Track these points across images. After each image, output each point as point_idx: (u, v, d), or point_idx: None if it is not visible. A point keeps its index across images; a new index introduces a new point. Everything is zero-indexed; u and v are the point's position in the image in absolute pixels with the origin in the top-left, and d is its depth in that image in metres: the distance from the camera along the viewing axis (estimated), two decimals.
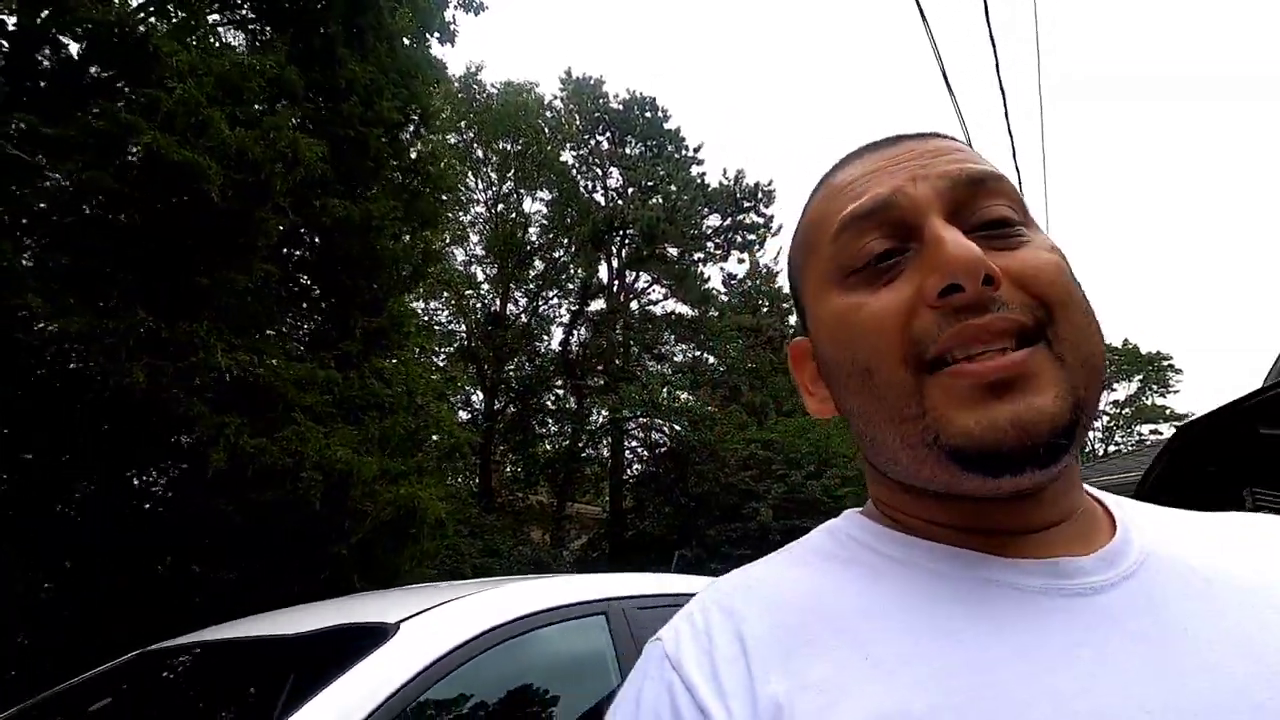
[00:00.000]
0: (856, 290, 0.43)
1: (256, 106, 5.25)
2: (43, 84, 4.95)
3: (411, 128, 7.64)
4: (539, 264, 16.27)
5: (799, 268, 0.51)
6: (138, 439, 4.68)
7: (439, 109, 9.36)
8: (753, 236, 17.74)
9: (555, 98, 16.94)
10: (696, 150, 17.20)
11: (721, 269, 19.03)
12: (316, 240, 6.42)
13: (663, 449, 15.06)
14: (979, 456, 0.37)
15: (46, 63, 4.91)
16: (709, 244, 17.23)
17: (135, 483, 5.10)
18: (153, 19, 4.98)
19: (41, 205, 4.35)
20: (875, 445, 0.43)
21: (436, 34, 8.55)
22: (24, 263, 4.06)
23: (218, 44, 5.92)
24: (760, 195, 17.17)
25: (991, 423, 0.37)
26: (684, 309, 16.20)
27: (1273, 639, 0.37)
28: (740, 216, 17.32)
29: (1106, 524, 0.45)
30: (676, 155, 17.06)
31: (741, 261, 18.40)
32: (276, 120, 4.88)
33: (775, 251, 21.96)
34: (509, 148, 15.62)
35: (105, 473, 4.76)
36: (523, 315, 15.92)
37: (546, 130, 15.99)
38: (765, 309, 20.51)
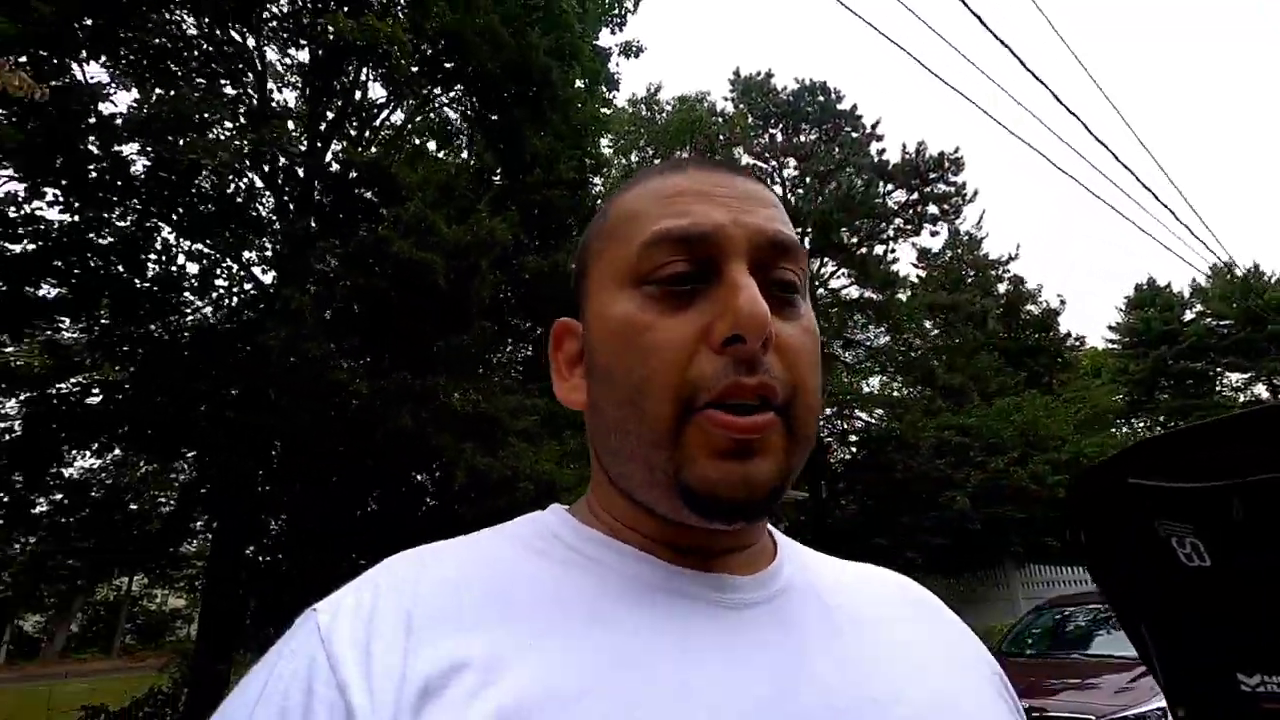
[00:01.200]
0: (647, 305, 0.44)
1: (465, 196, 6.77)
2: (324, 202, 6.93)
3: (589, 179, 8.89)
4: None
5: (593, 252, 0.50)
6: (407, 462, 6.42)
7: (608, 159, 10.55)
8: (945, 206, 16.80)
9: (725, 100, 17.57)
10: (874, 126, 16.72)
11: (914, 244, 18.26)
12: (520, 289, 7.90)
13: (858, 437, 15.07)
14: (707, 501, 0.41)
15: (320, 190, 6.89)
16: (897, 219, 16.68)
17: (405, 489, 6.93)
18: (394, 154, 6.70)
19: (339, 304, 6.18)
20: (618, 455, 0.45)
21: (603, 86, 9.73)
22: (331, 347, 5.87)
23: (438, 153, 7.67)
24: (947, 164, 16.22)
25: (726, 477, 0.41)
26: (870, 294, 15.93)
27: (861, 663, 0.44)
28: (927, 188, 16.51)
29: (770, 553, 0.50)
30: (853, 135, 16.74)
31: (935, 234, 17.51)
32: (479, 214, 6.28)
33: (977, 217, 20.38)
34: (684, 156, 16.54)
35: (386, 487, 6.58)
36: None
37: (721, 137, 16.68)
38: (970, 279, 19.18)
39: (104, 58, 6.42)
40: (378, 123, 8.17)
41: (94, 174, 6.57)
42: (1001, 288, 19.60)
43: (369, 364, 5.91)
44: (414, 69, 7.15)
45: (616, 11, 9.45)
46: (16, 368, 7.12)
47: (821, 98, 16.96)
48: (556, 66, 7.66)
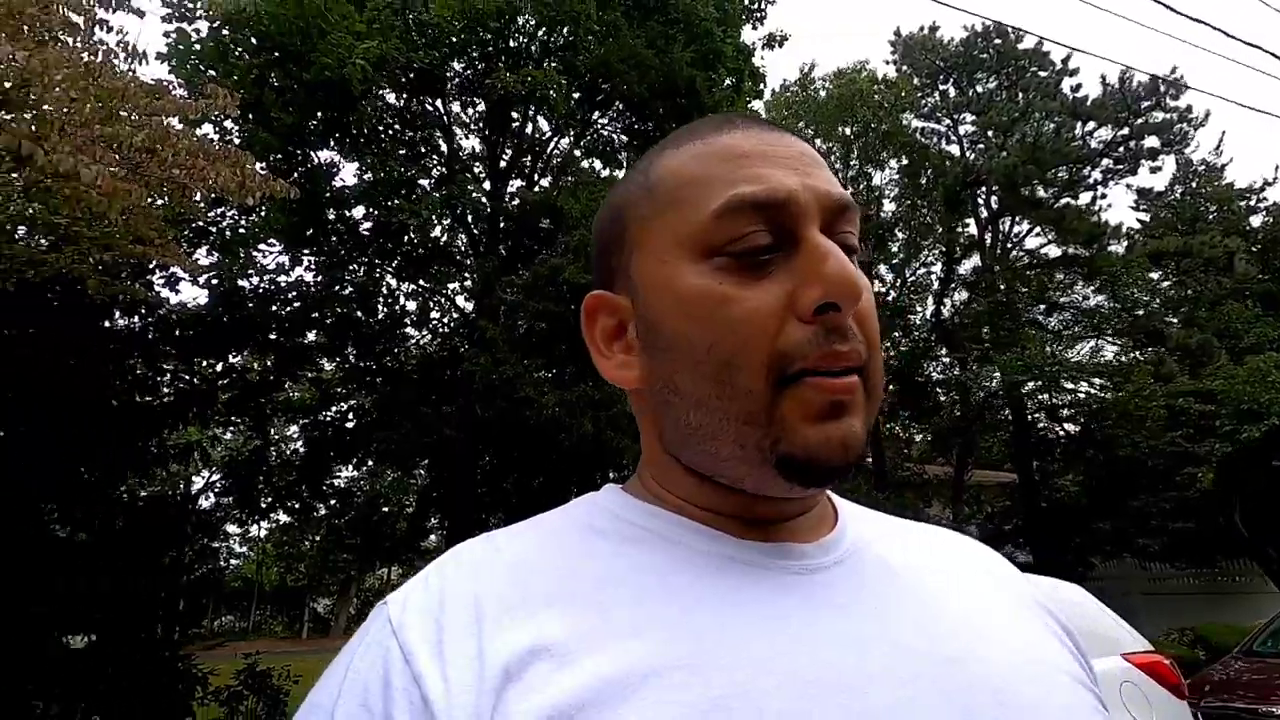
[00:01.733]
0: (724, 276, 0.42)
1: None
2: (507, 236, 7.87)
3: None
4: (899, 234, 16.12)
5: (638, 218, 0.47)
6: (590, 464, 7.11)
7: None
8: (1167, 137, 14.43)
9: (888, 63, 16.58)
10: (1065, 62, 14.82)
11: (1130, 186, 15.91)
12: None
13: (1069, 410, 13.54)
14: (806, 466, 0.40)
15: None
16: (1104, 160, 14.65)
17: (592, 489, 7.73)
18: (560, 185, 7.48)
19: (525, 327, 7.03)
20: (700, 431, 0.43)
21: (749, 81, 9.81)
22: (525, 363, 6.70)
23: (602, 171, 8.39)
24: (1163, 88, 13.90)
25: (827, 440, 0.40)
26: (1075, 249, 14.16)
27: (937, 623, 0.43)
28: (1139, 120, 14.30)
29: (832, 519, 0.50)
30: (1040, 75, 14.98)
31: (1156, 170, 15.11)
32: None
33: (1215, 142, 17.18)
34: (847, 131, 15.91)
35: (579, 487, 7.33)
36: (890, 291, 15.99)
37: (885, 104, 15.82)
38: (1211, 215, 16.27)
39: (332, 141, 7.87)
40: (547, 154, 9.07)
41: (334, 238, 8.11)
42: (1255, 221, 16.35)
43: (553, 378, 6.67)
44: (571, 102, 7.86)
45: (757, 8, 9.48)
46: (295, 401, 9.05)
47: (998, 40, 15.37)
48: (701, 75, 7.93)
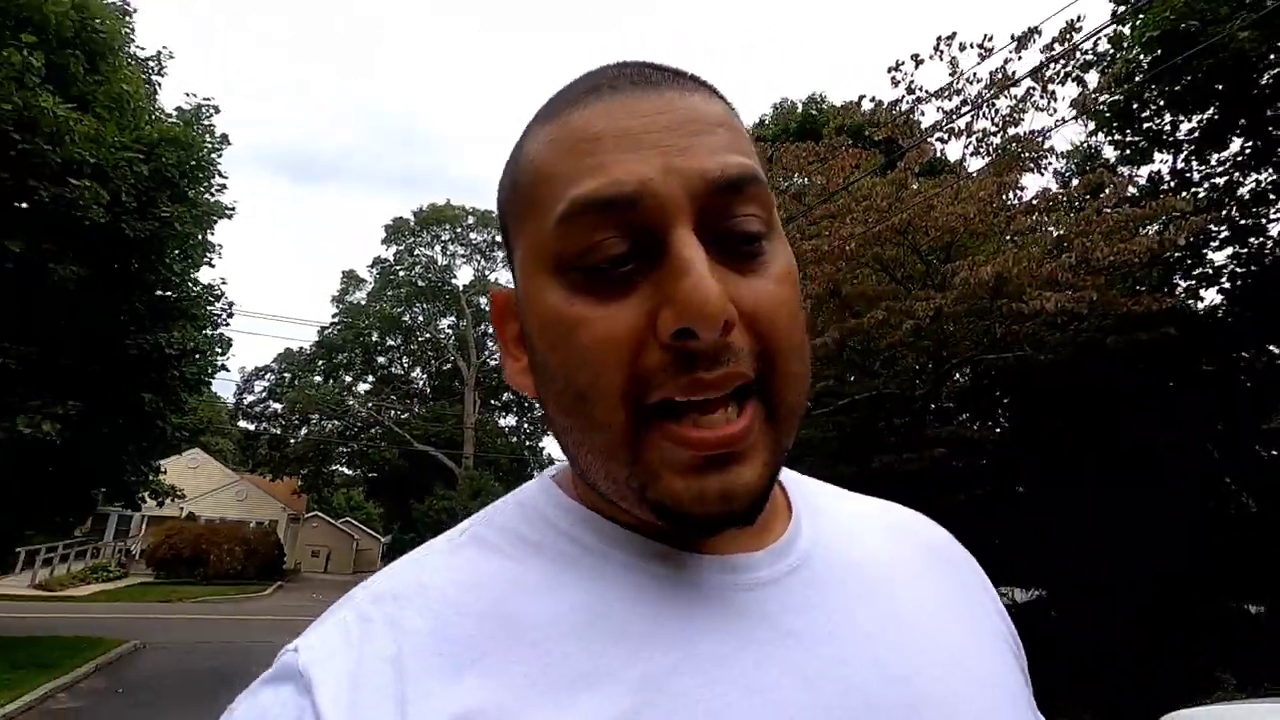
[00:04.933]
0: (577, 293, 0.36)
1: None
2: None
3: None
4: None
5: (509, 215, 0.42)
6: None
7: None
8: None
9: None
10: None
11: None
12: None
13: None
14: (680, 518, 0.36)
15: None
16: None
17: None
18: None
19: None
20: (575, 458, 0.40)
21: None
22: None
23: None
24: None
25: (700, 494, 0.35)
26: None
27: (893, 635, 0.40)
28: None
29: (784, 512, 0.45)
30: None
31: None
32: None
33: None
34: None
35: None
36: None
37: None
38: None
39: None
40: None
41: None
42: None
43: None
44: None
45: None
46: None
47: None
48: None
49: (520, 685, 0.34)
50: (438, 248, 30.28)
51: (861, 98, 8.63)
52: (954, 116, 7.84)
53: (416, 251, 29.94)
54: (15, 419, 7.52)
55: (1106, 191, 7.47)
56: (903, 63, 7.84)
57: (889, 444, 8.12)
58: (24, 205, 7.63)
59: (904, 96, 7.99)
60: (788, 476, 0.49)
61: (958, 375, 9.36)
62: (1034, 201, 7.67)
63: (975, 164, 8.27)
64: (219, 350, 11.30)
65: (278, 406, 29.03)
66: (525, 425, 32.23)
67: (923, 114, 8.23)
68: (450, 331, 30.80)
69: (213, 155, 10.33)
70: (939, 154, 9.00)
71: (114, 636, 10.60)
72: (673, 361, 0.35)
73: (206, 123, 10.30)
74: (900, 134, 8.11)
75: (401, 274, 29.79)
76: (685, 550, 0.40)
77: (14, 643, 9.62)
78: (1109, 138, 8.75)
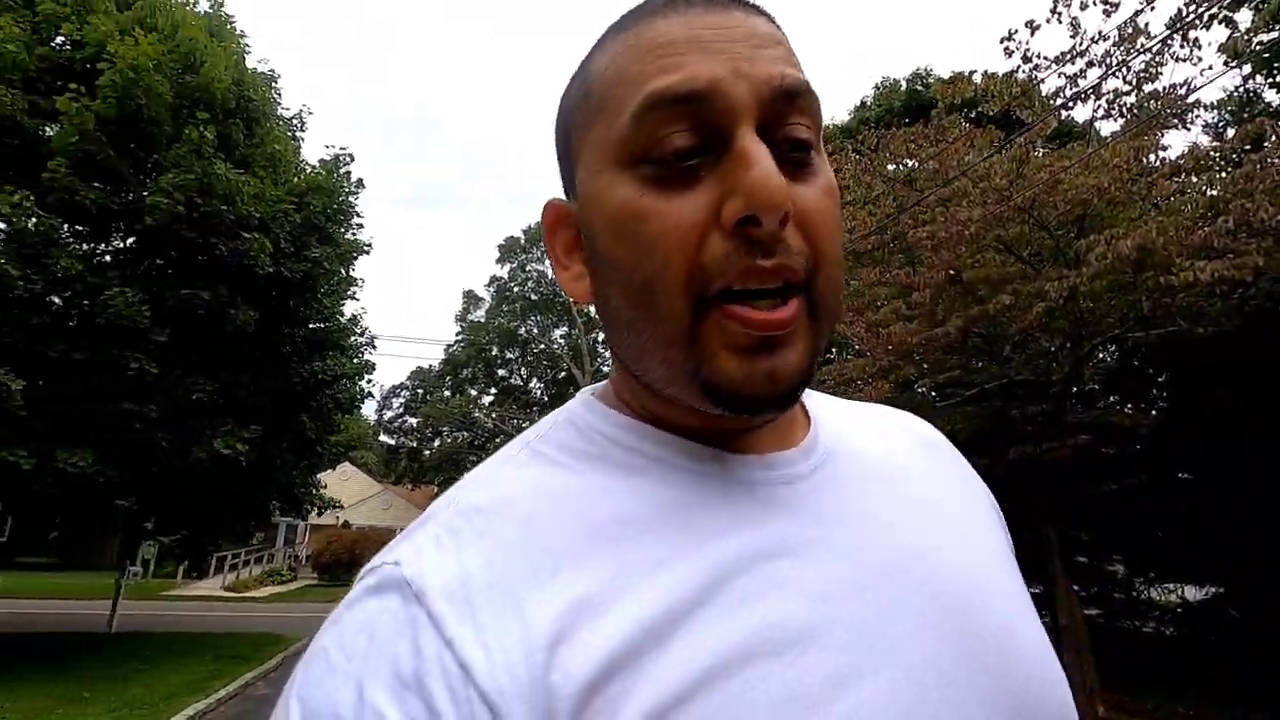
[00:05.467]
0: (647, 187, 0.39)
1: None
2: None
3: None
4: None
5: (575, 125, 0.45)
6: None
7: None
8: None
9: None
10: None
11: None
12: None
13: None
14: (730, 398, 0.39)
15: None
16: None
17: None
18: None
19: None
20: (632, 351, 0.42)
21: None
22: None
23: None
24: None
25: (750, 374, 0.38)
26: None
27: (909, 518, 0.45)
28: None
29: (802, 418, 0.50)
30: None
31: None
32: None
33: None
34: None
35: None
36: None
37: None
38: None
39: None
40: None
41: None
42: None
43: None
44: None
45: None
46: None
47: None
48: None
49: (609, 574, 0.38)
50: (548, 262, 31.42)
51: (971, 72, 8.22)
52: (1078, 80, 7.30)
53: (529, 267, 31.33)
54: (214, 441, 8.68)
55: (1270, 142, 6.69)
56: (1016, 31, 7.40)
57: (1025, 434, 7.68)
58: (206, 259, 8.80)
59: (1019, 66, 7.53)
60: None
61: (1102, 355, 8.68)
62: (1180, 161, 6.99)
63: (1107, 128, 7.68)
64: (364, 375, 12.43)
65: (413, 421, 31.35)
66: None
67: (1042, 82, 7.71)
68: (563, 341, 31.96)
69: (350, 198, 11.42)
70: (1064, 121, 8.40)
71: (292, 633, 11.90)
72: (734, 250, 0.38)
73: (344, 169, 11.40)
74: (1018, 106, 7.64)
75: (515, 289, 31.29)
76: (730, 452, 0.45)
77: (215, 638, 11.09)
78: (1269, 80, 7.85)
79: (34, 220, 7.67)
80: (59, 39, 8.96)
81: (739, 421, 0.44)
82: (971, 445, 8.30)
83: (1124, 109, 7.27)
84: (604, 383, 0.51)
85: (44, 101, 8.20)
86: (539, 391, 33.53)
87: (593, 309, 0.47)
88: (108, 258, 9.20)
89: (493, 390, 32.70)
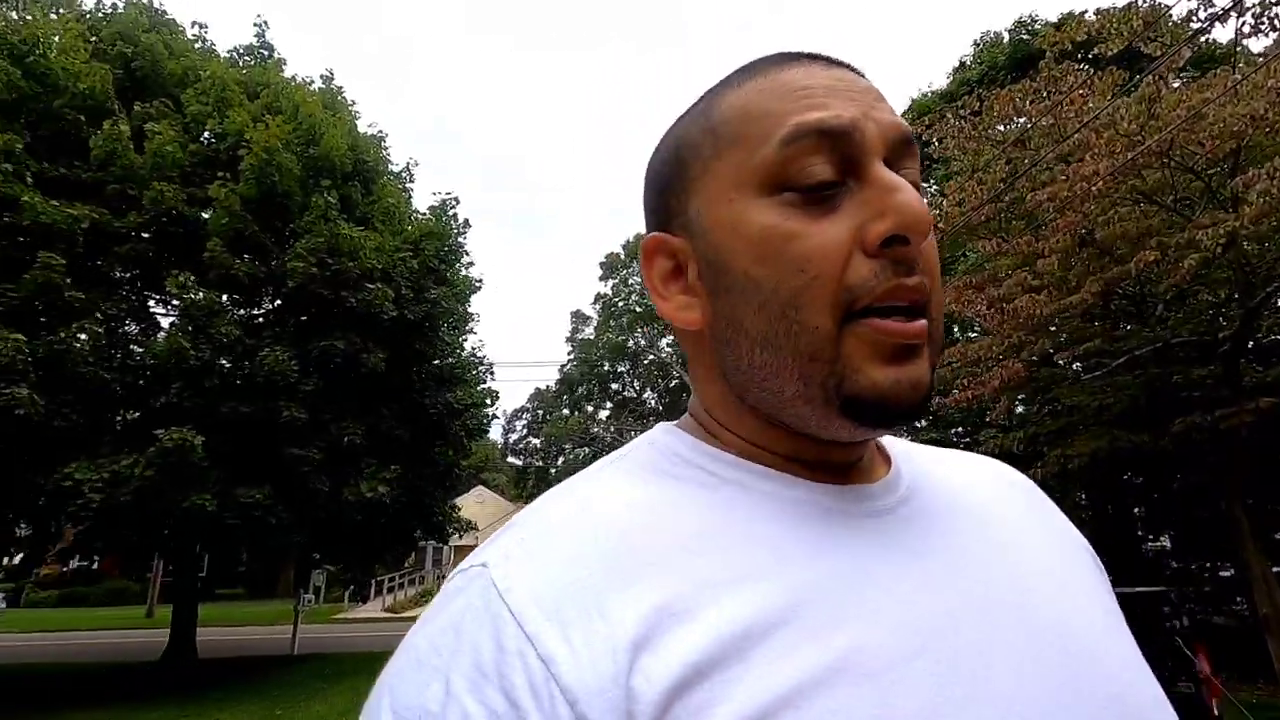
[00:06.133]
0: (790, 212, 0.41)
1: None
2: None
3: None
4: None
5: (697, 158, 0.46)
6: None
7: None
8: None
9: None
10: None
11: None
12: None
13: None
14: (874, 408, 0.40)
15: None
16: None
17: None
18: None
19: None
20: (762, 371, 0.43)
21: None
22: None
23: None
24: None
25: (896, 381, 0.40)
26: None
27: (999, 559, 0.45)
28: None
29: (882, 457, 0.51)
30: None
31: None
32: None
33: None
34: None
35: None
36: None
37: None
38: None
39: None
40: None
41: None
42: None
43: None
44: None
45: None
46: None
47: None
48: None
49: (691, 584, 0.38)
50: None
51: (1083, 12, 7.47)
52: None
53: (630, 281, 31.87)
54: (362, 484, 9.49)
55: None
56: None
57: (1192, 401, 6.86)
58: (338, 311, 9.67)
59: None
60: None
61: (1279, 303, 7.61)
62: None
63: (1257, 44, 6.72)
64: (489, 402, 13.12)
65: (536, 441, 32.61)
66: None
67: (1170, 9, 6.90)
68: (671, 350, 32.17)
69: (459, 239, 12.14)
70: (1202, 47, 7.48)
71: None
72: (880, 270, 0.40)
73: (450, 212, 12.15)
74: (1142, 40, 6.88)
75: (620, 304, 31.90)
76: (814, 482, 0.45)
77: (380, 656, 11.95)
78: None
79: (200, 295, 8.74)
80: (205, 134, 10.19)
81: (841, 453, 0.46)
82: (1127, 419, 7.52)
83: (1276, 20, 6.36)
84: (683, 416, 0.52)
85: (199, 191, 9.37)
86: (653, 401, 33.91)
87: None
88: (259, 320, 10.32)
89: (608, 404, 33.42)
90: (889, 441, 0.54)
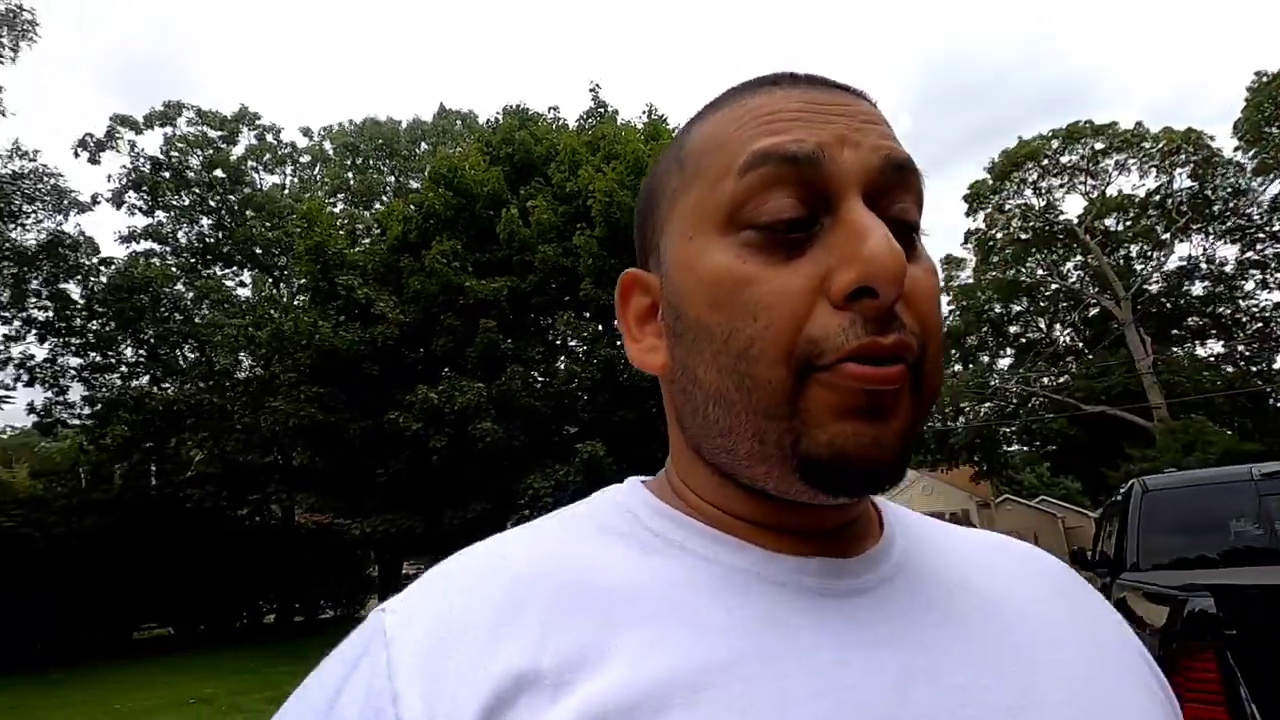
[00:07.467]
0: (749, 253, 0.37)
1: None
2: None
3: None
4: None
5: (666, 193, 0.43)
6: None
7: None
8: None
9: None
10: None
11: None
12: None
13: None
14: (833, 470, 0.35)
15: None
16: None
17: None
18: None
19: None
20: (715, 427, 0.39)
21: None
22: None
23: None
24: None
25: (858, 438, 0.34)
26: None
27: (993, 660, 0.38)
28: None
29: (876, 527, 0.44)
30: None
31: None
32: None
33: None
34: None
35: None
36: None
37: None
38: None
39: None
40: None
41: None
42: None
43: None
44: None
45: None
46: None
47: None
48: None
49: (581, 652, 0.34)
50: (1027, 191, 27.04)
51: None
52: None
53: (1007, 206, 27.46)
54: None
55: None
56: None
57: None
58: None
59: None
60: (882, 501, 0.47)
61: None
62: None
63: None
64: None
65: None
66: (1241, 350, 24.46)
67: None
68: (1079, 272, 26.60)
69: None
70: None
71: None
72: (849, 324, 0.34)
73: None
74: None
75: (998, 235, 27.71)
76: (774, 551, 0.40)
77: None
78: None
79: (577, 329, 10.81)
80: (566, 195, 12.47)
81: (809, 519, 0.40)
82: None
83: None
84: (660, 472, 0.49)
85: (569, 244, 11.52)
86: (1068, 337, 28.56)
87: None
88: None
89: (1009, 350, 29.29)
90: (893, 510, 0.47)
